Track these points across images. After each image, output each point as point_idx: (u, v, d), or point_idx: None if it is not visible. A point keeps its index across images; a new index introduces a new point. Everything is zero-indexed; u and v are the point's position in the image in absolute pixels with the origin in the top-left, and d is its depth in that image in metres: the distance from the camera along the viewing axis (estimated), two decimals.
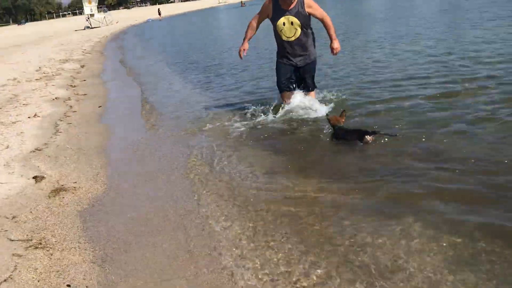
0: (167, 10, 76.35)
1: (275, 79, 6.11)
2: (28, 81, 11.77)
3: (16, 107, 8.37)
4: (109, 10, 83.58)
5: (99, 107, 8.24)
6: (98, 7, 61.71)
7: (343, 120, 5.00)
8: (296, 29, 5.68)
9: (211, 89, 8.65)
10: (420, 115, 5.27)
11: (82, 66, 14.92)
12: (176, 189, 4.12)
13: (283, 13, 5.62)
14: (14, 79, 12.02)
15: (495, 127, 4.57)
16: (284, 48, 5.86)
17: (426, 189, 3.48)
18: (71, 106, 8.32)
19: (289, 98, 5.94)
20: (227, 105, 7.04)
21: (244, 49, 5.93)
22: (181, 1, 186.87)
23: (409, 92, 6.35)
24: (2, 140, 6.03)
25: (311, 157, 4.54)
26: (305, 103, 5.87)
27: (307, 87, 6.05)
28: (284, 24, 5.66)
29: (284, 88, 5.98)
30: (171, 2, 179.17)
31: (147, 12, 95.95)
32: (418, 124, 4.98)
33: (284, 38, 5.77)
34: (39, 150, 5.60)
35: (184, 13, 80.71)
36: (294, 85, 5.99)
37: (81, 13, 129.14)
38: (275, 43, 6.05)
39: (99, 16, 58.84)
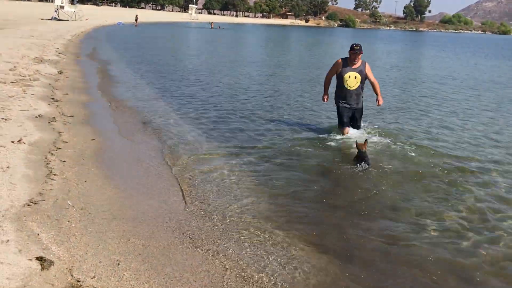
0: (139, 16, 74.59)
1: (337, 118, 8.20)
2: (2, 82, 10.43)
3: None
4: (78, 3, 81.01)
5: (92, 139, 7.15)
6: (69, 0, 59.46)
7: (366, 147, 6.66)
8: (357, 82, 7.81)
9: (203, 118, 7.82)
10: None
11: (60, 72, 13.61)
12: None
13: (350, 69, 7.77)
14: None
15: None
16: (345, 94, 7.89)
17: None
18: (59, 133, 7.17)
19: (348, 132, 7.97)
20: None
21: (326, 97, 8.32)
22: (152, 9, 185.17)
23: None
24: None
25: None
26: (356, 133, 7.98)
27: (357, 125, 8.16)
28: (349, 77, 7.78)
29: (346, 125, 8.01)
30: (142, 7, 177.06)
31: (116, 13, 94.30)
32: None
33: (347, 86, 7.83)
34: (35, 203, 4.50)
35: (156, 23, 79.44)
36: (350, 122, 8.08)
37: (47, 0, 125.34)
38: None
39: (69, 9, 56.68)
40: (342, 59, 7.86)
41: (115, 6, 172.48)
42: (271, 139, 7.88)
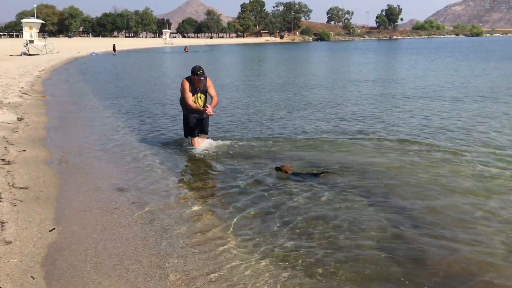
0: (116, 45, 72.31)
1: (183, 128, 8.66)
2: None
3: None
4: (49, 36, 78.42)
5: (51, 230, 4.87)
6: (39, 34, 56.93)
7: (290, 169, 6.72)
8: (203, 100, 8.31)
9: None
10: None
11: (20, 119, 11.27)
12: None
13: (195, 92, 8.17)
14: None
15: None
16: (193, 109, 8.21)
17: None
18: (2, 224, 4.88)
19: (198, 143, 8.43)
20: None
21: (206, 109, 8.09)
22: (125, 37, 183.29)
23: None
24: None
25: None
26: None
27: (205, 130, 8.62)
28: (196, 98, 8.20)
29: (196, 135, 8.45)
30: (115, 36, 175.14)
31: (90, 44, 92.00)
32: None
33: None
34: None
35: (132, 50, 77.31)
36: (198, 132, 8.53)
37: (18, 35, 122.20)
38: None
39: (39, 43, 54.17)
40: (187, 80, 8.10)
41: (87, 37, 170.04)
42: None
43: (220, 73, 29.77)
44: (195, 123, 8.37)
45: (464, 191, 6.02)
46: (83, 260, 4.23)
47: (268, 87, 19.92)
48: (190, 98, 8.09)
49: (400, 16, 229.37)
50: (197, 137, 8.42)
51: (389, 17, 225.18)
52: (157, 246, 4.53)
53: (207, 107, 8.07)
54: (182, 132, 8.92)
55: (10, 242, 4.48)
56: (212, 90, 8.27)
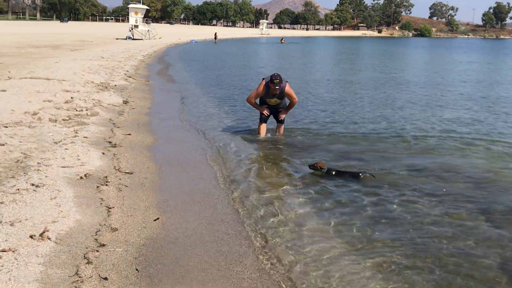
0: (212, 33, 73.92)
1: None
2: (51, 120, 8.46)
3: (18, 190, 4.94)
4: (152, 22, 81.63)
5: (155, 220, 4.80)
6: (143, 19, 59.51)
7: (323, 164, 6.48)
8: (277, 103, 8.58)
9: None
10: None
11: (125, 102, 11.61)
12: None
13: (270, 96, 8.40)
14: (34, 113, 8.70)
15: None
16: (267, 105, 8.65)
17: None
18: (109, 210, 4.87)
19: (264, 129, 8.80)
20: None
21: (266, 111, 8.62)
22: (223, 26, 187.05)
23: None
24: None
25: None
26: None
27: (280, 122, 8.87)
28: (270, 100, 8.51)
29: (263, 121, 8.76)
30: (213, 25, 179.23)
31: (189, 31, 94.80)
32: None
33: (269, 103, 8.59)
34: None
35: (231, 39, 78.68)
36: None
37: (123, 20, 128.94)
38: None
39: (143, 28, 56.65)
40: (265, 84, 8.25)
41: (187, 24, 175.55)
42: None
43: (313, 66, 29.31)
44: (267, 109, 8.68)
45: None
46: (187, 256, 4.08)
47: (363, 83, 19.24)
48: (253, 98, 8.51)
49: (509, 15, 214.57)
50: (264, 124, 8.72)
51: (497, 15, 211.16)
52: (261, 249, 4.29)
53: (280, 111, 8.68)
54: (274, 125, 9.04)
55: (116, 229, 4.45)
56: (292, 97, 8.46)
